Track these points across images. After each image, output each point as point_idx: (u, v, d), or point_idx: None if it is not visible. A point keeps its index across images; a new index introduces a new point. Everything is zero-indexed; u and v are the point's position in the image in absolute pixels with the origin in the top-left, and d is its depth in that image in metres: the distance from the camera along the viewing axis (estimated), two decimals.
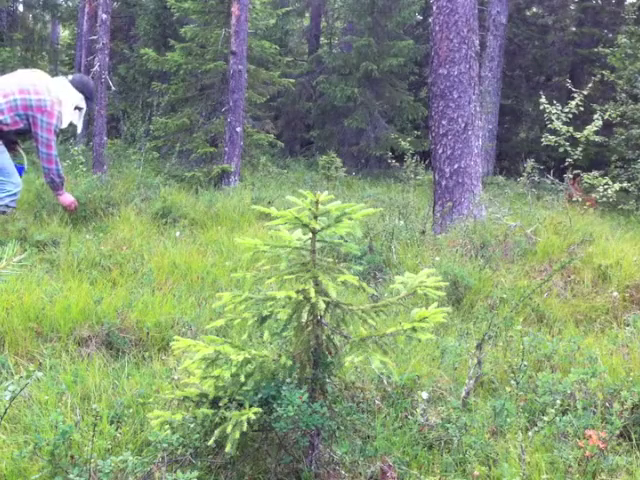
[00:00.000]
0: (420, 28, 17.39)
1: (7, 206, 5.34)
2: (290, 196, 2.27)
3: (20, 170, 5.70)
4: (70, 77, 5.42)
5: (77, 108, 5.29)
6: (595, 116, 7.35)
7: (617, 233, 6.17)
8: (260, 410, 2.08)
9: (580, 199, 6.57)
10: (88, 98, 5.36)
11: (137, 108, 11.05)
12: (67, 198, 5.52)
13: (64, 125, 5.24)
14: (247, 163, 10.68)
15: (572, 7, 18.57)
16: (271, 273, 2.30)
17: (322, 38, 19.99)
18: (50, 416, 2.30)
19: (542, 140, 7.85)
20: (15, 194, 5.27)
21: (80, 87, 5.30)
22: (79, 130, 5.70)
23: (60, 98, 5.11)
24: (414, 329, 2.24)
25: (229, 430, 2.03)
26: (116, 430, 2.43)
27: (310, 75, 16.23)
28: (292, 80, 12.06)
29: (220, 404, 2.17)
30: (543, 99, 7.50)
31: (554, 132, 7.48)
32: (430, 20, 6.61)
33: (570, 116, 7.35)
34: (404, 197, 7.80)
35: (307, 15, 20.29)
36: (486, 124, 14.41)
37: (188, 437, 2.16)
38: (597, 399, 2.68)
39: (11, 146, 5.54)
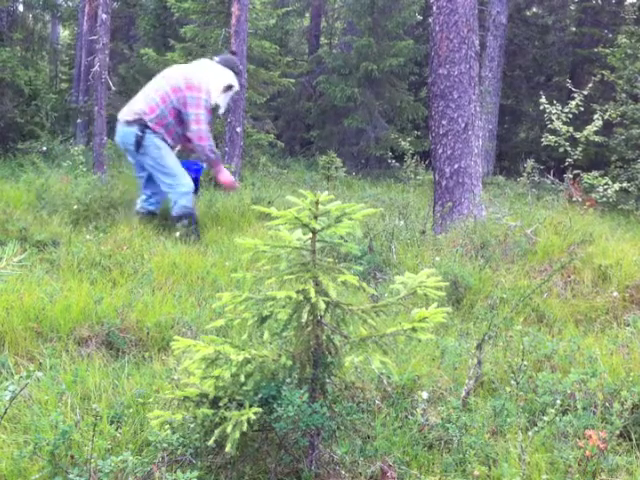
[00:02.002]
0: (420, 28, 17.37)
1: (185, 207, 5.31)
2: (290, 196, 2.26)
3: (197, 170, 5.56)
4: (216, 58, 5.49)
5: (228, 87, 5.32)
6: (595, 116, 7.35)
7: (617, 233, 6.16)
8: (260, 410, 2.09)
9: (580, 199, 6.57)
10: (237, 74, 5.43)
11: None
12: (226, 176, 5.44)
13: (218, 103, 5.29)
14: (247, 163, 10.68)
15: (572, 7, 18.57)
16: (271, 273, 2.30)
17: (322, 38, 19.99)
18: (50, 416, 2.30)
19: (542, 140, 7.85)
20: (187, 193, 5.26)
21: (225, 64, 5.36)
22: (222, 110, 5.61)
23: (208, 80, 5.19)
24: (414, 329, 2.25)
25: (229, 430, 2.03)
26: (116, 430, 2.43)
27: (310, 75, 16.22)
28: (292, 80, 12.06)
29: (220, 404, 2.17)
30: (543, 99, 7.50)
31: (554, 132, 7.48)
32: (430, 20, 6.60)
33: (570, 116, 7.35)
34: (404, 197, 7.81)
35: (307, 15, 20.28)
36: (486, 124, 14.40)
37: (188, 437, 2.16)
38: (597, 399, 2.68)
39: (186, 144, 5.55)
